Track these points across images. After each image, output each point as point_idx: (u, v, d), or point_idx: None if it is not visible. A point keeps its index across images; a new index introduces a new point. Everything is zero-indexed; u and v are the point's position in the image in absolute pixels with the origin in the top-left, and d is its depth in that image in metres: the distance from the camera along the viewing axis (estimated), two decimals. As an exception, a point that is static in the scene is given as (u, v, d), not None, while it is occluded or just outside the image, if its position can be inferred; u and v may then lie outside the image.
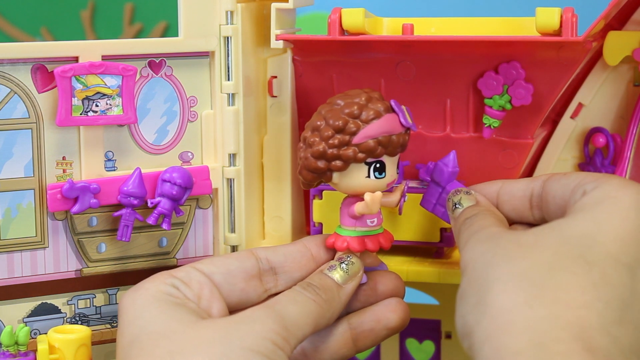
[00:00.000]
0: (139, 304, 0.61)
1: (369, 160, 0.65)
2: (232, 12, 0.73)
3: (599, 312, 0.52)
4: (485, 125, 0.73)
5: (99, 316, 0.72)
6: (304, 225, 0.80)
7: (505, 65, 0.71)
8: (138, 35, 1.77)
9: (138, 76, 0.71)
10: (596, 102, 0.77)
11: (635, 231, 0.56)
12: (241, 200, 0.75)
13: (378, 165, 0.65)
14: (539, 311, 0.52)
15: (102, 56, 0.69)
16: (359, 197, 0.66)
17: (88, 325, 0.71)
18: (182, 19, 0.72)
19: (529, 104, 0.72)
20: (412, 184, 0.74)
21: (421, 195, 0.72)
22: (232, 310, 0.65)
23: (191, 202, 0.74)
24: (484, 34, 0.74)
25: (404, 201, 0.69)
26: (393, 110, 0.65)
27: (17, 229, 0.68)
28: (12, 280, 0.69)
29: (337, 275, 0.65)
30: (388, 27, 0.78)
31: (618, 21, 0.75)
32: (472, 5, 1.54)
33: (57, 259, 0.70)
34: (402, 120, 0.65)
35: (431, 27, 0.77)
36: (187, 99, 0.73)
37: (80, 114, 0.68)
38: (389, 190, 0.68)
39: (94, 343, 0.69)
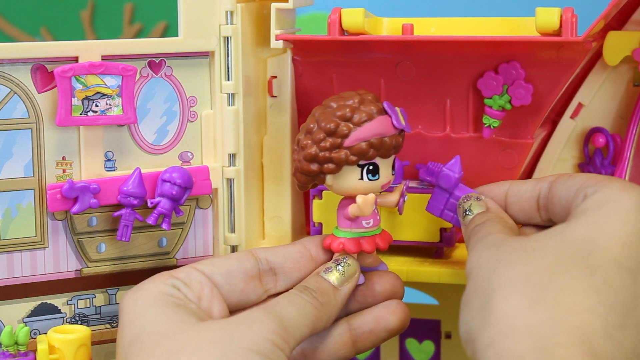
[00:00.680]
0: (140, 304, 0.61)
1: (362, 162, 0.65)
2: (232, 12, 0.73)
3: (602, 317, 0.52)
4: (485, 125, 0.73)
5: (98, 316, 0.72)
6: (304, 225, 0.80)
7: (505, 65, 0.71)
8: (138, 35, 1.77)
9: (138, 76, 0.71)
10: (596, 102, 0.77)
11: (636, 234, 0.56)
12: (241, 200, 0.75)
13: (371, 167, 0.65)
14: (542, 316, 0.52)
15: (102, 56, 0.69)
16: (354, 198, 0.66)
17: (88, 325, 0.71)
18: (182, 19, 0.72)
19: (529, 104, 0.72)
20: (412, 184, 0.74)
21: (421, 195, 0.72)
22: (232, 310, 0.65)
23: (191, 202, 0.74)
24: (484, 34, 0.74)
25: (404, 201, 0.69)
26: (386, 112, 0.65)
27: (17, 229, 0.68)
28: (12, 280, 0.69)
29: (333, 277, 0.65)
30: (388, 27, 0.78)
31: (618, 21, 0.75)
32: (472, 5, 1.54)
33: (57, 259, 0.70)
34: (394, 122, 0.65)
35: (431, 27, 0.77)
36: (187, 99, 0.73)
37: (80, 114, 0.68)
38: (388, 190, 0.68)
39: (93, 343, 0.69)
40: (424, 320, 0.90)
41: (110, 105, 0.69)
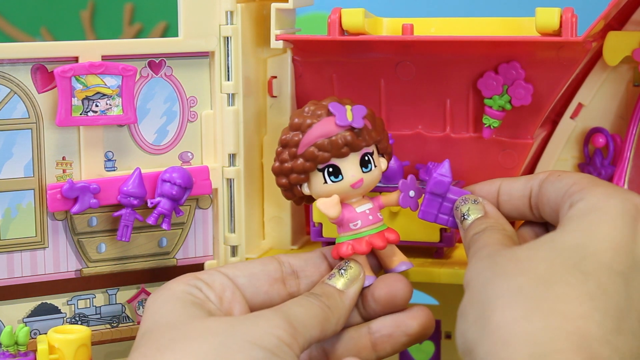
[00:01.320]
0: (160, 301, 0.62)
1: (320, 166, 0.65)
2: (232, 12, 0.73)
3: (597, 322, 0.52)
4: (485, 126, 0.73)
5: (98, 316, 0.72)
6: (304, 226, 0.80)
7: (505, 66, 0.71)
8: (138, 35, 1.77)
9: (138, 76, 0.71)
10: (596, 102, 0.77)
11: (625, 239, 0.56)
12: (241, 200, 0.75)
13: (330, 169, 0.66)
14: (538, 324, 0.52)
15: (102, 56, 0.69)
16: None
17: (88, 325, 0.71)
18: (182, 19, 0.72)
19: (529, 104, 0.72)
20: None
21: (421, 195, 0.72)
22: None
23: (191, 202, 0.74)
24: (484, 34, 0.74)
25: (419, 197, 0.68)
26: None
27: (17, 229, 0.68)
28: (12, 280, 0.69)
29: (338, 282, 0.66)
30: (388, 27, 0.78)
31: (618, 21, 0.75)
32: (472, 5, 1.54)
33: (57, 259, 0.70)
34: (337, 120, 0.65)
35: (431, 27, 0.77)
36: (187, 99, 0.73)
37: (80, 114, 0.68)
38: (391, 189, 0.67)
39: (93, 343, 0.69)
40: (424, 320, 0.90)
41: (110, 105, 0.69)
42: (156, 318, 0.61)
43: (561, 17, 0.68)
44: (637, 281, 0.56)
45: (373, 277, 0.68)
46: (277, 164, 0.67)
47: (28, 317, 0.70)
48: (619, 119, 0.76)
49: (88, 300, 0.72)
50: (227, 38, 0.73)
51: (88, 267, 0.71)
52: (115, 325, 0.73)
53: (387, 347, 0.67)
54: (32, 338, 0.69)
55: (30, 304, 0.70)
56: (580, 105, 0.77)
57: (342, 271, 0.66)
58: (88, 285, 0.71)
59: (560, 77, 0.71)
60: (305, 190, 0.67)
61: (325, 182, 0.66)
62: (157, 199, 0.70)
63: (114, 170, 0.71)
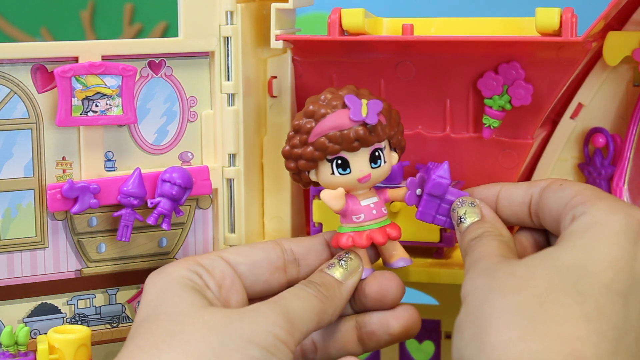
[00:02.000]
0: (159, 286, 0.63)
1: (329, 157, 0.65)
2: (232, 12, 0.73)
3: (594, 344, 0.52)
4: (485, 126, 0.73)
5: (98, 316, 0.72)
6: (304, 226, 0.80)
7: (505, 66, 0.71)
8: (138, 35, 1.77)
9: (138, 76, 0.71)
10: (596, 103, 0.77)
11: (625, 257, 0.56)
12: (241, 200, 0.75)
13: (339, 161, 0.66)
14: (534, 346, 0.52)
15: (102, 56, 0.69)
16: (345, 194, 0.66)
17: (88, 326, 0.71)
18: (182, 19, 0.72)
19: (529, 104, 0.72)
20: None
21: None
22: (254, 299, 0.65)
23: (191, 202, 0.74)
24: (484, 34, 0.74)
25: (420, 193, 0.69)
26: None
27: (17, 229, 0.68)
28: (12, 280, 0.69)
29: (336, 272, 0.66)
30: (388, 28, 0.78)
31: (618, 21, 0.75)
32: (472, 5, 1.54)
33: (57, 259, 0.70)
34: (351, 114, 0.65)
35: (431, 27, 0.77)
36: (187, 99, 0.73)
37: (80, 114, 0.68)
38: (396, 186, 0.68)
39: (93, 343, 0.69)
40: (424, 321, 0.89)
41: (110, 105, 0.69)
42: (155, 305, 0.61)
43: (561, 17, 0.68)
44: (636, 300, 0.55)
45: (370, 270, 0.68)
46: (287, 147, 0.67)
47: (28, 317, 0.70)
48: (619, 119, 0.76)
49: (88, 300, 0.72)
50: (227, 38, 0.73)
51: (88, 267, 0.71)
52: (115, 325, 0.73)
53: (372, 343, 0.67)
54: (32, 338, 0.69)
55: (30, 304, 0.70)
56: (580, 105, 0.77)
57: (342, 262, 0.66)
58: (88, 285, 0.71)
59: (560, 77, 0.71)
60: (313, 177, 0.67)
61: (333, 173, 0.66)
62: (157, 199, 0.70)
63: (114, 170, 0.71)
